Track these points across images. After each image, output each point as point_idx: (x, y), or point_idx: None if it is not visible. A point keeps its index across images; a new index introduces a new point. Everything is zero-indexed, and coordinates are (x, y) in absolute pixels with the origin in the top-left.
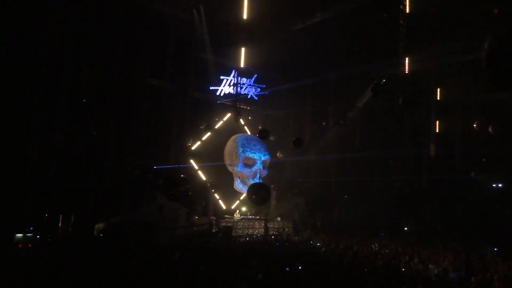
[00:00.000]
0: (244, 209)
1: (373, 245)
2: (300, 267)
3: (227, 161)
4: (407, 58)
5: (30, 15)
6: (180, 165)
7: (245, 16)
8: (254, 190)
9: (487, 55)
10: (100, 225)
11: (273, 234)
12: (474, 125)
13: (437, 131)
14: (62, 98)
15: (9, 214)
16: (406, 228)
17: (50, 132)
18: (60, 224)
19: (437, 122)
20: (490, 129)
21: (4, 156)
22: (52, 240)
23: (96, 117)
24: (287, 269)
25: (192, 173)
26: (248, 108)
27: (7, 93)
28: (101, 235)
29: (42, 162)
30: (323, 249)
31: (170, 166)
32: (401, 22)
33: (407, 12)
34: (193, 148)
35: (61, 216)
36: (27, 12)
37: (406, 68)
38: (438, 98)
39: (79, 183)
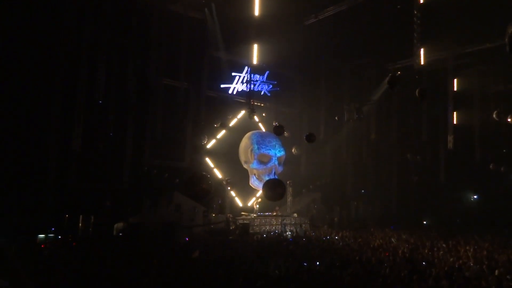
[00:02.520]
0: (257, 206)
1: (392, 239)
2: (318, 263)
3: (242, 158)
4: (422, 49)
5: (46, 18)
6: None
7: (256, 13)
8: (269, 186)
9: (511, 40)
10: (119, 225)
11: (290, 230)
12: (494, 115)
13: (454, 122)
14: (80, 100)
15: (31, 216)
16: (425, 222)
17: (69, 134)
18: (80, 225)
19: (455, 113)
20: (509, 119)
21: (25, 159)
22: (74, 241)
23: (113, 118)
24: (305, 264)
25: (208, 171)
26: (262, 105)
27: (26, 96)
28: (120, 234)
29: (62, 164)
30: (341, 244)
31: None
32: (416, 12)
33: (421, 2)
34: (208, 146)
35: (81, 216)
36: (43, 15)
37: (422, 59)
38: (455, 89)
39: (98, 184)
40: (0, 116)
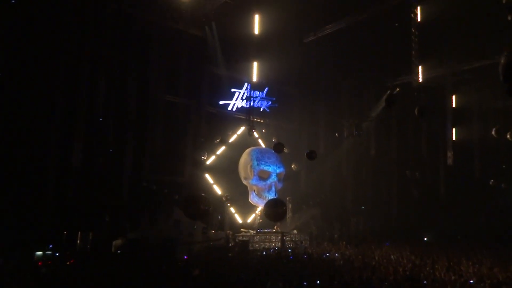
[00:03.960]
0: (260, 220)
1: (392, 256)
2: (318, 281)
3: (242, 174)
4: (420, 67)
5: (47, 33)
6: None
7: (256, 31)
8: (270, 206)
9: (505, 70)
10: (117, 241)
11: (289, 248)
12: (493, 132)
13: (454, 139)
14: (79, 116)
15: (29, 232)
16: (426, 238)
17: (68, 150)
18: (78, 241)
19: (454, 129)
20: (508, 136)
21: (24, 174)
22: (71, 257)
23: (113, 135)
24: (305, 283)
25: (207, 187)
26: (262, 121)
27: (26, 112)
28: (119, 251)
29: (61, 180)
30: (341, 262)
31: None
32: (413, 30)
33: (419, 21)
34: (208, 162)
35: (79, 233)
36: (44, 30)
37: (420, 77)
38: (454, 106)
39: (97, 200)
40: None
